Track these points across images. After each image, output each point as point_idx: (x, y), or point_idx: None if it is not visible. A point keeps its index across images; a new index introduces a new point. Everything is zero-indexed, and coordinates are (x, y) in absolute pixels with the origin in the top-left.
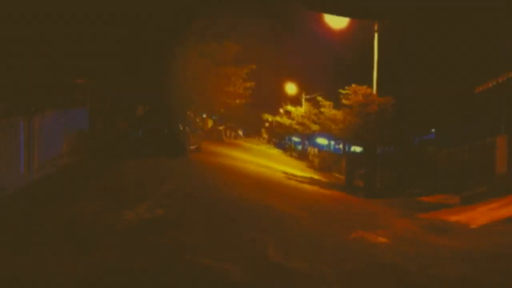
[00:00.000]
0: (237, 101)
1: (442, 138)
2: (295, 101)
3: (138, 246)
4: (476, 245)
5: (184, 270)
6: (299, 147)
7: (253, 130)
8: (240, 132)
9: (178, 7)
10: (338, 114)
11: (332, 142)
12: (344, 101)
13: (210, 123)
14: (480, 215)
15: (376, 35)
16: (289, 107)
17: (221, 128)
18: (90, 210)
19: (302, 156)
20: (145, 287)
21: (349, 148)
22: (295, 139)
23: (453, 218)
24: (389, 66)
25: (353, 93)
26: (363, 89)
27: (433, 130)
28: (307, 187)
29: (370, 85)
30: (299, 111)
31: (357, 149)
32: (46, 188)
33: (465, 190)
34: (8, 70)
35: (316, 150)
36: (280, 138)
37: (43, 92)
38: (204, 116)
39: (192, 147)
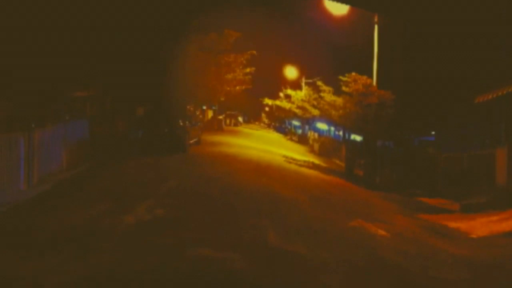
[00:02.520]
0: (237, 87)
1: (442, 140)
2: (295, 85)
3: (138, 246)
4: (476, 254)
5: (184, 266)
6: (299, 131)
7: (253, 116)
8: (240, 119)
9: (178, 5)
10: (338, 100)
11: (332, 128)
12: (344, 88)
13: (210, 114)
14: (480, 226)
15: (376, 27)
16: (289, 91)
17: (221, 117)
18: (90, 212)
19: (302, 140)
20: (145, 285)
21: (349, 135)
22: (295, 123)
23: (453, 224)
24: (390, 65)
25: (353, 81)
26: (363, 78)
27: (433, 132)
28: (307, 171)
29: (370, 76)
30: (299, 94)
31: (357, 137)
32: (47, 201)
33: (465, 198)
34: (8, 86)
35: (316, 135)
36: (280, 122)
37: (43, 106)
38: (204, 107)
39: (192, 141)
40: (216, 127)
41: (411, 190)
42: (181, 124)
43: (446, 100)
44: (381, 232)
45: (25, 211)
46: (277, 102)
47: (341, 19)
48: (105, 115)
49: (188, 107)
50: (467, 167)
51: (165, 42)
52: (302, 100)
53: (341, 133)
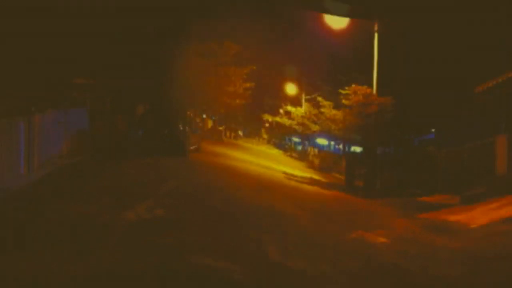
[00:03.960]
0: (237, 101)
1: (442, 138)
2: (295, 101)
3: (138, 246)
4: (475, 245)
5: (184, 270)
6: (299, 147)
7: (253, 131)
8: (240, 133)
9: (179, 8)
10: (338, 114)
11: (332, 142)
12: (344, 101)
13: (210, 124)
14: (480, 215)
15: (376, 35)
16: (289, 108)
17: (221, 128)
18: (90, 210)
19: (302, 156)
20: (145, 286)
21: (349, 148)
22: (295, 139)
23: (453, 218)
24: (389, 66)
25: (353, 93)
26: (363, 89)
27: (433, 130)
28: (307, 187)
29: (370, 85)
30: (299, 111)
31: (357, 149)
32: (46, 189)
33: (465, 190)
34: (8, 70)
35: (316, 150)
36: (280, 139)
37: (43, 92)
38: (204, 116)
39: (192, 147)
40: (216, 137)
41: (411, 191)
42: (181, 128)
43: (446, 96)
44: (381, 239)
45: (24, 200)
46: (277, 119)
47: (341, 33)
48: (105, 112)
49: (188, 112)
50: (467, 159)
51: (165, 44)
52: (302, 116)
53: (341, 146)
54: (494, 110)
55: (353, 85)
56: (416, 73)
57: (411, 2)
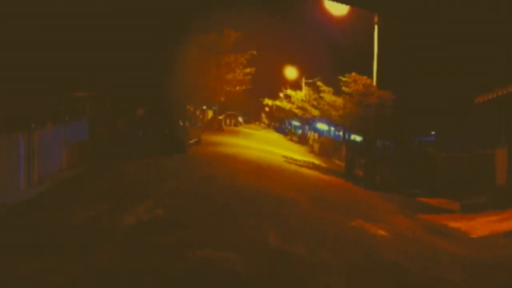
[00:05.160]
0: (237, 88)
1: (442, 140)
2: (295, 85)
3: (138, 246)
4: (476, 254)
5: (185, 267)
6: (299, 131)
7: (253, 116)
8: (240, 119)
9: (179, 3)
10: (338, 100)
11: (332, 128)
12: (344, 89)
13: (210, 114)
14: (480, 226)
15: (376, 27)
16: (289, 91)
17: (221, 117)
18: (90, 212)
19: (302, 140)
20: (146, 286)
21: (349, 135)
22: (295, 123)
23: (453, 224)
24: (390, 66)
25: (353, 81)
26: (363, 79)
27: (433, 132)
28: (307, 172)
29: (370, 77)
30: (299, 95)
31: (357, 137)
32: (47, 201)
33: (465, 198)
34: (7, 84)
35: (316, 135)
36: (280, 123)
37: (42, 105)
38: (204, 107)
39: (192, 141)
40: (216, 127)
41: (411, 190)
42: (181, 124)
43: (446, 100)
44: (381, 232)
45: (25, 211)
46: (277, 103)
47: (341, 19)
48: (105, 115)
49: (188, 107)
50: (467, 167)
51: (165, 41)
52: (302, 100)
53: (341, 133)
54: (494, 121)
55: (353, 74)
56: (417, 73)
57: (411, 4)
